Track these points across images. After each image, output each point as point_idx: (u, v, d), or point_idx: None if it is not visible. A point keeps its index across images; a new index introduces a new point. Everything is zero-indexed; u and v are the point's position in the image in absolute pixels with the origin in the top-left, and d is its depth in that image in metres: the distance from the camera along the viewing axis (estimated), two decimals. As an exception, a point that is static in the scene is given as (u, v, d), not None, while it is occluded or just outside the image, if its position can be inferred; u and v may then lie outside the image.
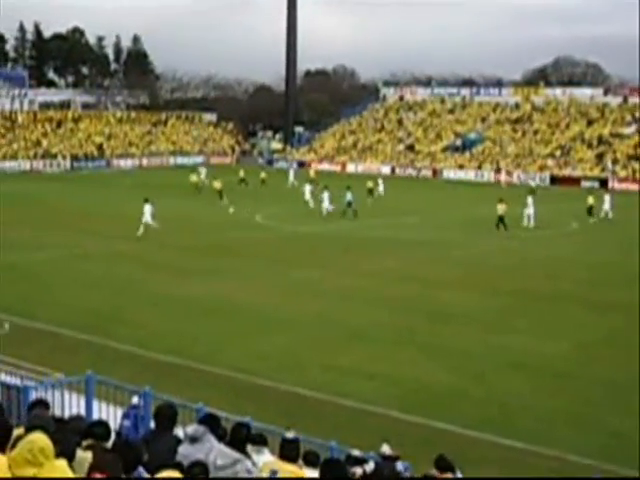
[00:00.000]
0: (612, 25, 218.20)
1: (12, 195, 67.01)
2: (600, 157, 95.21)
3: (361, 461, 11.59)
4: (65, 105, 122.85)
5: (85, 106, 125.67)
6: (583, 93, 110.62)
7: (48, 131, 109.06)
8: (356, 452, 12.45)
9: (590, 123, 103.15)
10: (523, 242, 49.49)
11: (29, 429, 6.67)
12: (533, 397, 22.99)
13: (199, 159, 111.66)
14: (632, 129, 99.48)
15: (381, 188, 72.84)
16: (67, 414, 12.68)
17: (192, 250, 44.83)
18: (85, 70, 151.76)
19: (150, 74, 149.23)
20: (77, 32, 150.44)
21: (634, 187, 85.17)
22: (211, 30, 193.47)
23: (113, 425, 11.51)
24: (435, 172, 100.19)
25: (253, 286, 36.44)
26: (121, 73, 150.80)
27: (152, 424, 11.63)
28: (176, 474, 7.12)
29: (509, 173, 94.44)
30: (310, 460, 10.29)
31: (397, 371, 25.06)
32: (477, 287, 36.70)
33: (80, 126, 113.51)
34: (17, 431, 6.95)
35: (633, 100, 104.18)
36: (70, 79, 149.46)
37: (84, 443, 7.31)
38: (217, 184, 67.63)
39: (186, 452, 8.56)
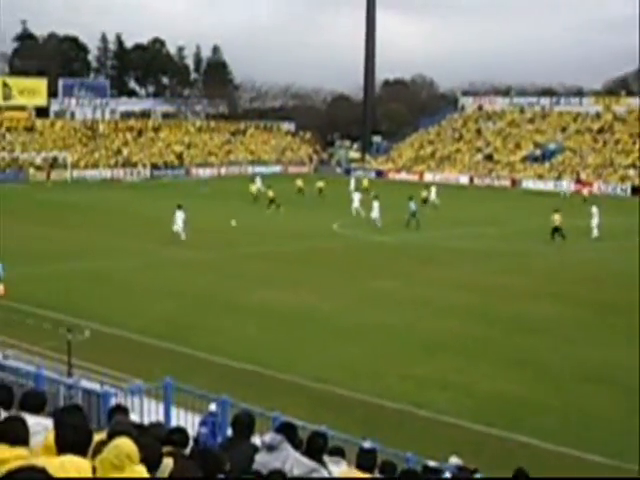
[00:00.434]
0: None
1: (93, 203, 68.01)
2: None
3: (437, 472, 11.55)
4: (145, 114, 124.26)
5: (165, 115, 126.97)
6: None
7: (129, 140, 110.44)
8: (432, 463, 12.41)
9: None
10: (600, 253, 48.79)
11: (112, 434, 6.76)
12: (612, 410, 22.67)
13: (277, 168, 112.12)
14: None
15: (433, 196, 72.13)
16: (146, 420, 12.82)
17: (270, 259, 45.01)
18: (165, 80, 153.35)
19: (229, 84, 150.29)
20: (158, 42, 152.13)
21: None
22: (290, 40, 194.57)
23: (191, 432, 11.62)
24: (514, 182, 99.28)
25: (330, 295, 36.47)
26: (201, 83, 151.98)
27: (229, 432, 11.71)
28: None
29: (589, 184, 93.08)
30: (387, 471, 10.27)
31: (473, 382, 24.91)
32: (555, 298, 36.29)
33: (160, 135, 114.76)
34: (98, 436, 7.04)
35: None
36: (151, 89, 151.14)
37: (164, 449, 7.38)
38: (270, 193, 68.21)
39: (263, 460, 8.58)
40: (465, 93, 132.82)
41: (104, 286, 37.85)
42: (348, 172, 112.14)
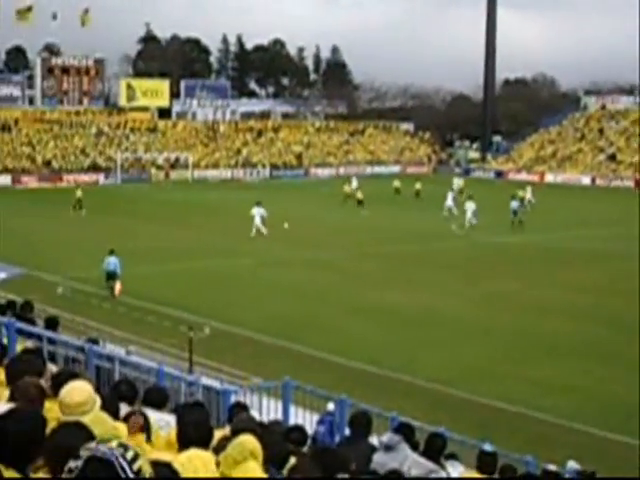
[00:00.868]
0: None
1: (213, 203, 68.94)
2: None
3: (557, 476, 11.36)
4: (265, 115, 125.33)
5: (285, 116, 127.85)
6: None
7: (249, 140, 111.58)
8: (552, 467, 12.21)
9: None
10: None
11: (236, 431, 6.83)
12: None
13: (395, 168, 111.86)
14: None
15: (529, 195, 70.81)
16: (264, 418, 12.92)
17: (389, 259, 44.93)
18: (285, 81, 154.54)
19: (348, 84, 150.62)
20: (278, 43, 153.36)
21: None
22: (409, 40, 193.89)
23: (309, 431, 11.67)
24: (638, 183, 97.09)
25: (449, 296, 36.25)
26: (320, 83, 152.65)
27: (347, 431, 11.71)
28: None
29: None
30: (507, 475, 10.15)
31: (595, 386, 24.45)
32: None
33: (279, 135, 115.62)
34: (220, 432, 7.13)
35: None
36: (270, 89, 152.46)
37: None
38: (359, 194, 68.53)
39: (381, 460, 8.57)
40: (587, 92, 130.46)
41: (223, 284, 38.31)
42: (467, 172, 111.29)
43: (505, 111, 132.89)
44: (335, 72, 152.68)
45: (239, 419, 8.01)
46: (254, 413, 12.06)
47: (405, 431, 9.33)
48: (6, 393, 6.57)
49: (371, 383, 24.33)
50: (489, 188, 73.62)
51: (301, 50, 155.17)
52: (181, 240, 50.19)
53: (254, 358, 26.29)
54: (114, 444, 4.09)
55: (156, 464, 4.93)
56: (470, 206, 57.58)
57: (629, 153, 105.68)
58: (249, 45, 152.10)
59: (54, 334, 14.55)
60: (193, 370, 21.72)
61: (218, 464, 6.04)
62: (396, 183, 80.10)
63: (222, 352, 26.35)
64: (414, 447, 9.31)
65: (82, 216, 60.55)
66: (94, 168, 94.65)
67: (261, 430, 7.18)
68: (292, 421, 13.93)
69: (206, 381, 15.33)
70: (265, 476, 6.33)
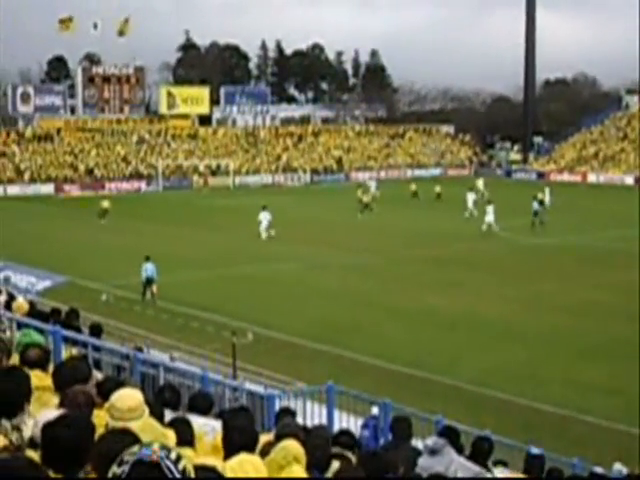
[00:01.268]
0: None
1: (254, 209, 69.07)
2: None
3: (604, 479, 11.30)
4: (305, 120, 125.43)
5: (324, 120, 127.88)
6: None
7: (289, 146, 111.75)
8: (599, 469, 12.14)
9: None
10: None
11: (280, 436, 6.87)
12: None
13: (436, 171, 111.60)
14: None
15: (547, 198, 69.85)
16: (309, 423, 12.94)
17: (430, 262, 44.83)
18: (324, 85, 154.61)
19: (388, 87, 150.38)
20: (317, 48, 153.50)
21: None
22: (448, 42, 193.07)
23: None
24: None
25: (491, 299, 36.12)
26: (359, 87, 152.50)
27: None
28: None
29: None
30: (554, 478, 10.10)
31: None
32: None
33: (320, 140, 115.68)
34: (265, 437, 7.17)
35: None
36: (310, 94, 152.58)
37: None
38: (366, 197, 68.62)
39: (426, 464, 8.56)
40: (629, 91, 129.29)
41: (263, 290, 38.40)
42: (509, 174, 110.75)
43: (546, 112, 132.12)
44: (374, 76, 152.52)
45: (283, 424, 8.05)
46: (298, 418, 12.10)
47: (450, 434, 9.31)
48: (54, 399, 6.65)
49: (413, 386, 24.31)
50: (530, 189, 72.91)
51: (340, 54, 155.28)
52: (222, 245, 50.39)
53: (296, 363, 26.35)
54: (156, 446, 4.13)
55: (202, 468, 4.97)
56: (490, 209, 56.61)
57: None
58: (288, 50, 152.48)
59: (99, 341, 14.67)
60: (237, 375, 21.80)
61: (264, 469, 6.09)
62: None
63: (265, 357, 26.45)
64: (459, 451, 9.29)
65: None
66: (136, 176, 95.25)
67: (304, 434, 7.20)
68: (336, 425, 13.94)
69: (250, 386, 15.39)
70: (310, 480, 6.37)
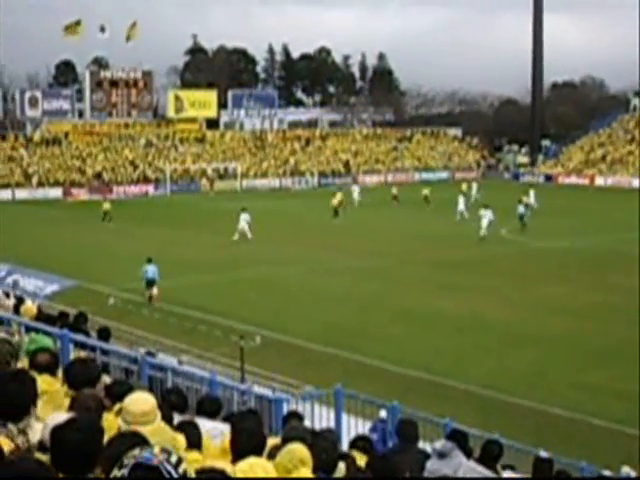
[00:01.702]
0: None
1: (261, 212, 69.10)
2: None
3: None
4: (313, 123, 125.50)
5: (332, 124, 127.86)
6: None
7: (297, 149, 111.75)
8: (607, 473, 12.13)
9: None
10: None
11: (286, 440, 6.87)
12: None
13: (444, 174, 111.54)
14: None
15: (532, 200, 69.75)
16: (317, 426, 12.93)
17: (438, 265, 44.79)
18: (332, 89, 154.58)
19: (395, 91, 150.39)
20: (324, 52, 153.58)
21: None
22: (455, 45, 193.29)
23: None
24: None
25: (499, 302, 36.08)
26: (367, 91, 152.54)
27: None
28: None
29: None
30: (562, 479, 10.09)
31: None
32: None
33: (327, 143, 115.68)
34: (273, 440, 7.17)
35: None
36: (317, 98, 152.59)
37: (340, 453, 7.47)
38: (335, 201, 68.44)
39: (434, 468, 8.54)
40: (637, 93, 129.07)
41: (271, 293, 38.41)
42: (516, 177, 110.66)
43: (554, 115, 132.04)
44: (382, 79, 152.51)
45: (289, 427, 8.06)
46: (306, 422, 12.09)
47: (458, 438, 9.31)
48: (63, 403, 6.66)
49: (422, 390, 24.29)
50: (538, 192, 72.86)
51: (347, 58, 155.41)
52: (229, 249, 50.40)
53: (305, 366, 26.35)
54: (157, 449, 4.14)
55: (210, 471, 4.98)
56: (485, 214, 55.18)
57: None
58: (295, 54, 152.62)
59: (107, 345, 14.69)
60: (245, 379, 21.80)
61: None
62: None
63: (273, 360, 26.45)
64: (467, 454, 9.27)
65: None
66: (144, 179, 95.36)
67: (311, 438, 7.21)
68: (344, 429, 13.94)
69: (258, 390, 15.39)
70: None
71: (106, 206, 65.49)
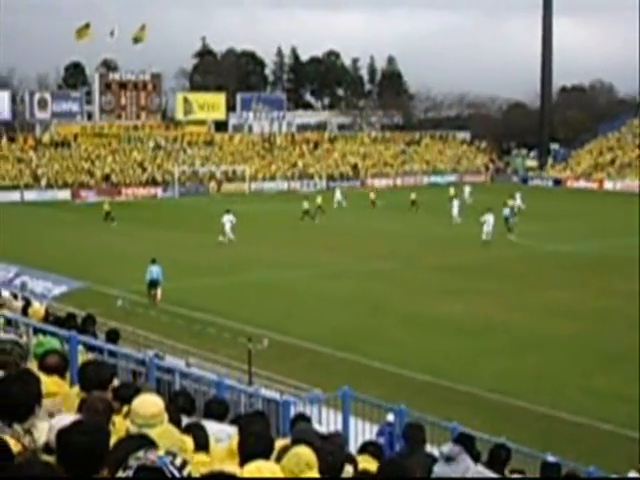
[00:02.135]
0: None
1: (269, 215, 69.25)
2: None
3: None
4: (321, 126, 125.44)
5: (341, 127, 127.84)
6: None
7: (305, 152, 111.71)
8: (614, 477, 12.11)
9: None
10: None
11: (294, 442, 6.87)
12: None
13: (452, 178, 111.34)
14: None
15: (518, 202, 69.71)
16: (324, 429, 12.93)
17: (446, 269, 44.76)
18: (340, 92, 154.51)
19: (404, 94, 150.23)
20: (333, 55, 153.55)
21: None
22: (464, 48, 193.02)
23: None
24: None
25: (507, 306, 36.04)
26: (375, 94, 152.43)
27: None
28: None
29: None
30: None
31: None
32: None
33: (336, 147, 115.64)
34: (280, 443, 7.17)
35: None
36: (326, 101, 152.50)
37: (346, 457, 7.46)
38: (305, 205, 68.81)
39: (441, 471, 8.53)
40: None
41: (278, 296, 38.43)
42: (525, 181, 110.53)
43: (562, 118, 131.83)
44: (390, 82, 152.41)
45: (297, 430, 8.06)
46: (314, 425, 12.09)
47: (465, 442, 9.28)
48: (73, 405, 6.67)
49: (429, 393, 24.28)
50: (547, 196, 72.75)
51: (356, 61, 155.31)
52: (237, 251, 50.39)
53: (312, 369, 26.36)
54: (162, 452, 4.14)
55: (220, 474, 4.98)
56: (487, 218, 54.81)
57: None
58: (304, 57, 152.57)
59: (115, 347, 14.71)
60: (252, 382, 21.81)
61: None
62: (372, 195, 79.37)
63: (280, 363, 26.43)
64: (475, 458, 9.25)
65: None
66: (152, 182, 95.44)
67: (319, 441, 7.21)
68: (352, 432, 13.92)
69: (265, 392, 15.39)
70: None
71: (106, 207, 66.02)
